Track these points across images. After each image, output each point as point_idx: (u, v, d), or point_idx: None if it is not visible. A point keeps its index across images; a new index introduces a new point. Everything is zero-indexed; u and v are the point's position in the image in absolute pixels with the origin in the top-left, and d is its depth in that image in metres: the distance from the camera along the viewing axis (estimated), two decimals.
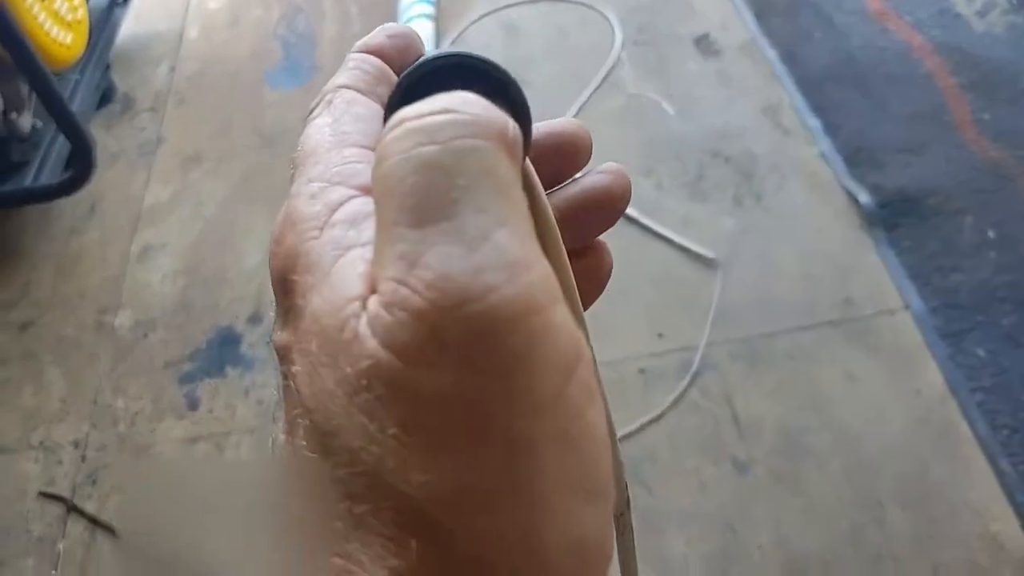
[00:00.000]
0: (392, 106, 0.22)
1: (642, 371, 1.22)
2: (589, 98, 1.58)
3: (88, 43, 1.51)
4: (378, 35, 0.27)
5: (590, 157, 0.29)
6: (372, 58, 0.27)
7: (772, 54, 1.64)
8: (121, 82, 1.71)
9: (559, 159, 0.28)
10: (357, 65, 0.27)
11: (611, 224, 0.30)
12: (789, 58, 1.63)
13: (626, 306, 1.29)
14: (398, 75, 0.26)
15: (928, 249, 1.33)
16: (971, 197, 1.38)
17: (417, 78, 0.23)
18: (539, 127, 0.27)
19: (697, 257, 1.34)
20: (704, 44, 1.67)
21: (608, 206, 0.29)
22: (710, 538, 1.06)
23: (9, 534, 1.15)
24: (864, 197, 1.38)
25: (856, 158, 1.46)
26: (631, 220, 1.39)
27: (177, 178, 1.56)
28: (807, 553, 1.04)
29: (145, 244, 1.46)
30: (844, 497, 1.08)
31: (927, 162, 1.44)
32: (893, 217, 1.37)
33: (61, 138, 1.40)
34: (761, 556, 1.04)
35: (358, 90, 0.26)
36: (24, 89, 1.39)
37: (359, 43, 0.27)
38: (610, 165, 0.29)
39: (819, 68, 1.61)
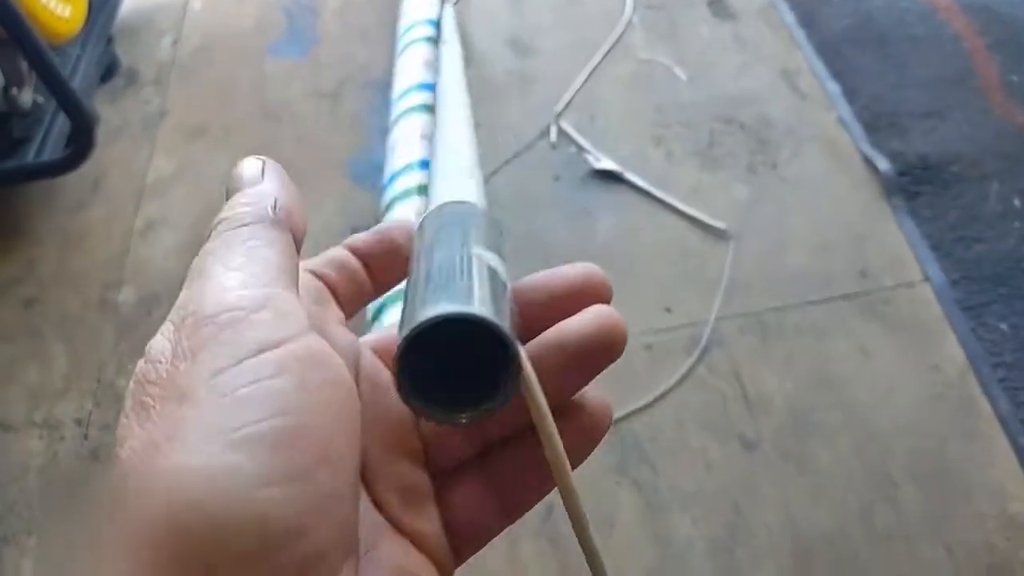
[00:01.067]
0: (396, 368, 0.23)
1: (648, 347, 1.19)
2: (598, 64, 1.54)
3: (88, 16, 1.48)
4: (367, 234, 0.30)
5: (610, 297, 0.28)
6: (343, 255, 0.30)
7: (790, 17, 1.58)
8: (124, 56, 1.69)
9: (578, 306, 0.28)
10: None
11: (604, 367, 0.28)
12: (807, 20, 1.57)
13: (633, 279, 1.26)
14: (376, 272, 0.30)
15: (950, 219, 1.28)
16: (996, 164, 1.33)
17: (407, 348, 0.23)
18: (552, 281, 0.28)
19: (707, 228, 1.30)
20: (718, 7, 1.61)
21: (602, 358, 0.27)
22: (715, 518, 1.03)
23: (12, 511, 1.15)
24: (884, 164, 1.33)
25: (876, 124, 1.40)
26: (639, 190, 1.35)
27: (180, 152, 1.54)
28: (815, 533, 1.01)
29: (148, 219, 1.44)
30: (855, 476, 1.05)
31: (951, 127, 1.38)
32: (914, 185, 1.31)
33: (63, 113, 1.39)
34: (768, 536, 1.01)
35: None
36: (24, 64, 1.38)
37: (348, 239, 0.30)
38: (604, 313, 0.27)
39: (838, 30, 1.55)
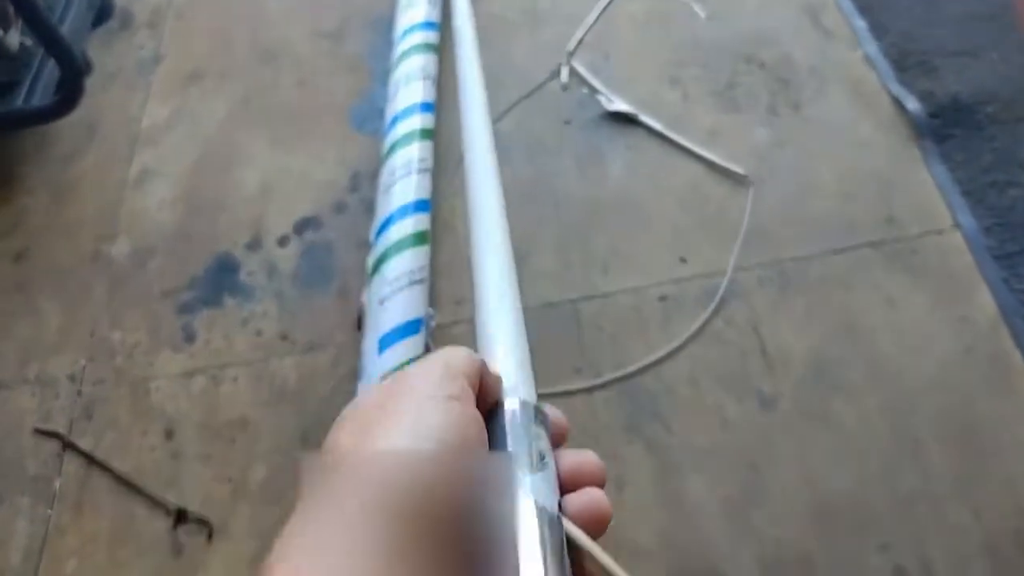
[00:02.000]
0: None
1: (663, 299, 1.13)
2: (612, 0, 1.46)
3: None
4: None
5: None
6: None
7: None
8: None
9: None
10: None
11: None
12: None
13: (647, 228, 1.20)
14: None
15: (983, 162, 1.20)
16: None
17: None
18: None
19: (726, 173, 1.23)
20: None
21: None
22: (731, 478, 0.99)
23: (6, 470, 1.12)
24: (913, 105, 1.26)
25: (905, 62, 1.32)
26: (654, 133, 1.28)
27: (176, 98, 1.48)
28: (836, 494, 0.96)
29: (143, 168, 1.39)
30: (878, 434, 1.00)
31: (984, 66, 1.30)
32: (945, 127, 1.24)
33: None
34: (785, 497, 0.97)
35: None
36: (10, 5, 1.31)
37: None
38: (596, 497, 0.35)
39: None
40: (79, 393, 1.17)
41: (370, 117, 1.38)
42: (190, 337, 1.20)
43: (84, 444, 1.12)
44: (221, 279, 1.25)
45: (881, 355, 1.06)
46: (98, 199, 1.36)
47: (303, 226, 1.28)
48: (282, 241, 1.27)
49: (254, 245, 1.28)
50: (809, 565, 0.93)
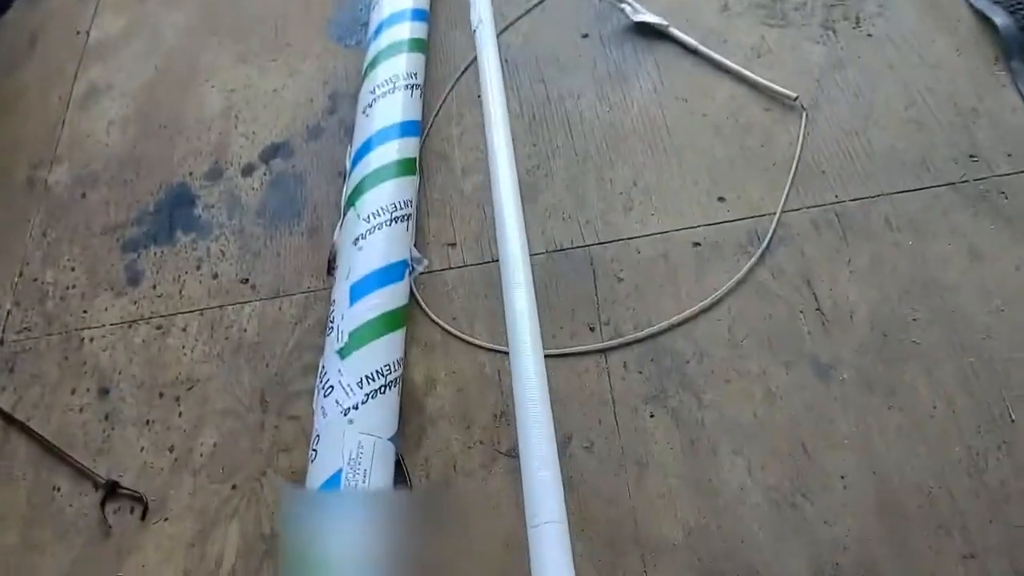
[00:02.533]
0: None
1: (697, 245, 0.96)
2: None
3: None
4: None
5: None
6: None
7: None
8: None
9: None
10: None
11: None
12: None
13: (680, 162, 1.02)
14: None
15: None
16: None
17: None
18: None
19: (774, 97, 1.06)
20: None
21: None
22: (778, 463, 0.82)
23: None
24: (1000, 18, 1.08)
25: None
26: (687, 50, 1.09)
27: (131, 7, 1.30)
28: (907, 485, 0.80)
29: (90, 85, 1.22)
30: (960, 412, 0.83)
31: None
32: None
33: None
34: (845, 488, 0.80)
35: None
36: None
37: None
38: None
39: None
40: (0, 343, 0.99)
41: (353, 28, 1.20)
42: (134, 279, 1.02)
43: (3, 402, 0.95)
44: (174, 213, 1.08)
45: (962, 314, 0.88)
46: (37, 119, 1.20)
47: (271, 153, 1.11)
48: (246, 170, 1.10)
49: (214, 175, 1.10)
50: (874, 574, 0.75)
